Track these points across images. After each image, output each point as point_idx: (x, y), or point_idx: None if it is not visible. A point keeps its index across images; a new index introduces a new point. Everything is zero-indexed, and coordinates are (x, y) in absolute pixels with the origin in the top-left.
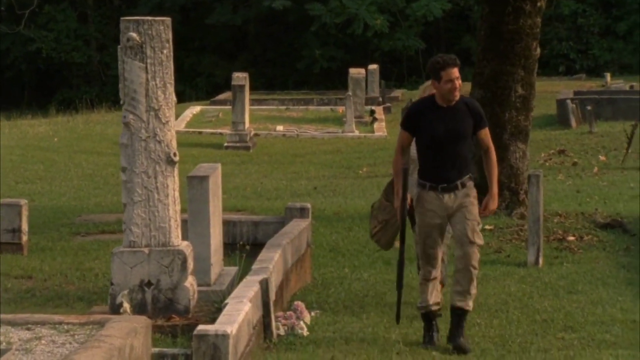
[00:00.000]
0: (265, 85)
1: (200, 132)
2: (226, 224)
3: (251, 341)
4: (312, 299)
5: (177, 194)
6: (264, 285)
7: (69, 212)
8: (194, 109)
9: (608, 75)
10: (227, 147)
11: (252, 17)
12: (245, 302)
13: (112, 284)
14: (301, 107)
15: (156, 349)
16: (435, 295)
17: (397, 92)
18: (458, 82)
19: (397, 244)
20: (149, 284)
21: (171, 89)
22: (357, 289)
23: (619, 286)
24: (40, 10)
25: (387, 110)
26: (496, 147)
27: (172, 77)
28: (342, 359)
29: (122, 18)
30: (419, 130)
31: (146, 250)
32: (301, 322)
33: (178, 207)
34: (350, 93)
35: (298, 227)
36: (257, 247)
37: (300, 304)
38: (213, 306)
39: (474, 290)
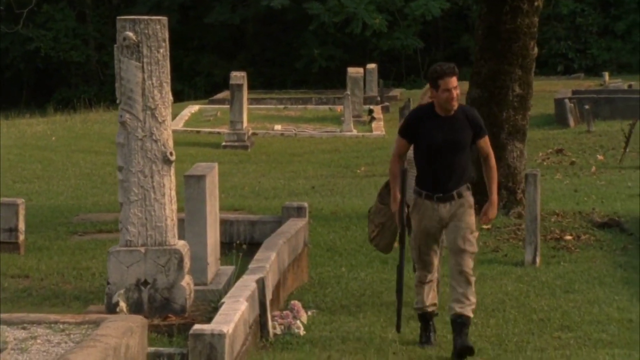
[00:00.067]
0: (264, 84)
1: (198, 131)
2: (223, 223)
3: (247, 340)
4: (309, 298)
5: (173, 193)
6: (261, 284)
7: (66, 212)
8: (192, 108)
9: (606, 75)
10: (225, 147)
11: (251, 16)
12: (242, 302)
13: (108, 283)
14: (299, 106)
15: (152, 349)
16: (432, 297)
17: (396, 92)
18: (456, 92)
19: (397, 244)
20: (146, 283)
21: (167, 88)
22: (354, 289)
23: (615, 285)
24: (39, 9)
25: (385, 110)
26: (494, 146)
27: (169, 76)
28: (338, 358)
29: (118, 17)
30: (417, 139)
31: (142, 249)
32: (298, 322)
33: (174, 207)
34: (348, 92)
35: (295, 226)
36: (254, 246)
37: (296, 303)
38: (209, 305)
39: (472, 298)
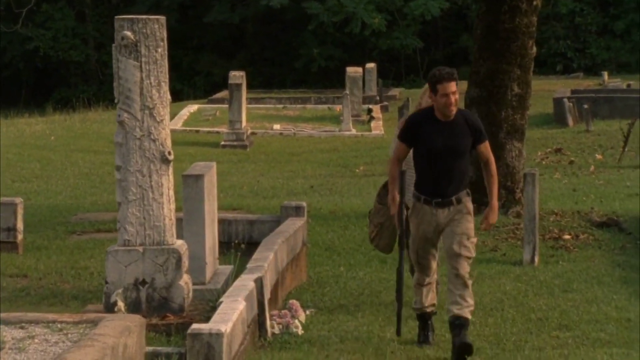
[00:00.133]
0: (263, 84)
1: (197, 131)
2: (222, 222)
3: (245, 340)
4: (307, 297)
5: (171, 192)
6: (259, 284)
7: (65, 211)
8: (192, 108)
9: (605, 74)
10: (224, 146)
11: (250, 15)
12: (240, 301)
13: (106, 282)
14: (298, 105)
15: (150, 348)
16: (430, 297)
17: (395, 91)
18: (454, 97)
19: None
20: (144, 282)
21: (166, 87)
22: (352, 288)
23: (614, 285)
24: (38, 8)
25: (384, 109)
26: (492, 145)
27: (167, 76)
28: (336, 357)
29: (116, 17)
30: (416, 143)
31: (141, 249)
32: (296, 321)
33: (173, 206)
34: (347, 92)
35: (293, 226)
36: (252, 245)
37: (295, 303)
38: (208, 305)
39: (470, 300)
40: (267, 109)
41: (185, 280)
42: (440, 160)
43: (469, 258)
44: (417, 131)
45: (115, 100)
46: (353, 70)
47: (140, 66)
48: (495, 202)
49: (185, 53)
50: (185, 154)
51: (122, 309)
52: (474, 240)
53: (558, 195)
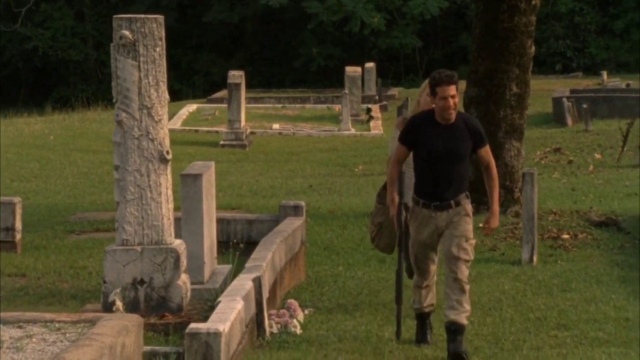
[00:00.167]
0: (263, 83)
1: (196, 130)
2: (220, 222)
3: (244, 339)
4: (305, 297)
5: (170, 192)
6: (257, 283)
7: (63, 210)
8: (191, 107)
9: (604, 74)
10: (223, 145)
11: (249, 15)
12: (238, 300)
13: (104, 282)
14: (297, 105)
15: (148, 347)
16: (429, 298)
17: (394, 91)
18: (453, 101)
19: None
20: (142, 282)
21: (164, 87)
22: (351, 287)
23: (612, 284)
24: (37, 8)
25: (383, 109)
26: (491, 145)
27: (165, 75)
28: (335, 357)
29: (114, 16)
30: (416, 146)
31: (139, 248)
32: (294, 320)
33: (171, 205)
34: (346, 91)
35: (292, 225)
36: (251, 245)
37: (293, 302)
38: (206, 304)
39: (467, 306)
40: (266, 109)
41: (183, 279)
42: (440, 163)
43: (467, 261)
44: (417, 134)
45: (114, 100)
46: (352, 70)
47: (139, 65)
48: (496, 207)
49: (184, 52)
50: (184, 153)
51: (121, 308)
52: (473, 242)
53: (557, 195)
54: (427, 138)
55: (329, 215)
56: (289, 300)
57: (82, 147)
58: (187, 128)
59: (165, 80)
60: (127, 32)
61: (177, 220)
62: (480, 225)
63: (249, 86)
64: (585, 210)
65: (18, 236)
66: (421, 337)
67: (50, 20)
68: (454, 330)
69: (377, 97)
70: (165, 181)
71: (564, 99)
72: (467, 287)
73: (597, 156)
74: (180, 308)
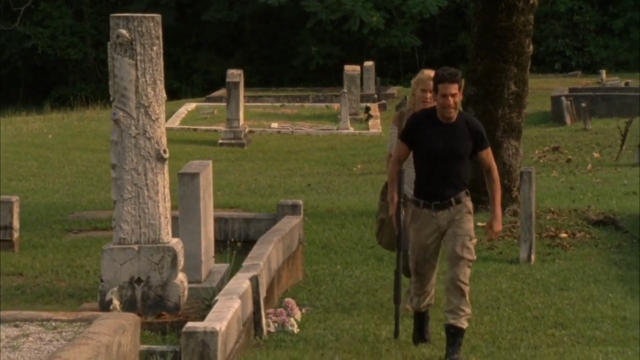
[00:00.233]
0: (262, 82)
1: (195, 129)
2: (218, 220)
3: (241, 338)
4: (303, 295)
5: (167, 190)
6: (255, 282)
7: (61, 209)
8: (189, 106)
9: (603, 72)
10: (221, 144)
11: (248, 13)
12: (235, 299)
13: (101, 280)
14: (296, 104)
15: (145, 346)
16: (427, 301)
17: (393, 89)
18: (453, 100)
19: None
20: (139, 280)
21: (161, 85)
22: (348, 286)
23: (610, 283)
24: (36, 7)
25: (382, 108)
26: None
27: (162, 74)
28: (332, 356)
29: (111, 15)
30: (417, 144)
31: (136, 247)
32: (291, 319)
33: (168, 204)
34: (345, 90)
35: (290, 224)
36: (248, 244)
37: (290, 301)
38: (203, 303)
39: (467, 309)
40: (265, 107)
41: (180, 278)
42: (440, 162)
43: (470, 261)
44: (416, 132)
45: (111, 99)
46: (351, 69)
47: (136, 64)
48: (498, 211)
49: (183, 51)
50: (183, 152)
51: (118, 307)
52: (475, 240)
53: (555, 194)
54: (428, 137)
55: (327, 214)
56: (286, 299)
57: (81, 146)
58: (185, 127)
59: (162, 79)
60: (124, 31)
61: (174, 219)
62: (480, 224)
63: (248, 85)
64: (584, 209)
65: (16, 235)
66: (419, 336)
67: (49, 19)
68: (453, 333)
69: (376, 96)
70: (163, 180)
71: (563, 98)
72: (467, 289)
73: (596, 155)
74: (178, 307)
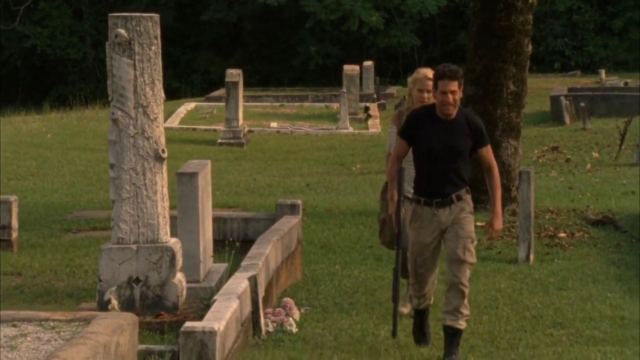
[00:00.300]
0: (261, 82)
1: (194, 129)
2: (217, 220)
3: (239, 338)
4: (302, 295)
5: (165, 190)
6: (253, 282)
7: (60, 209)
8: (189, 106)
9: (603, 72)
10: (220, 144)
11: (248, 13)
12: (234, 299)
13: (100, 280)
14: (295, 103)
15: (143, 346)
16: (428, 299)
17: (392, 89)
18: (452, 97)
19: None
20: (137, 280)
21: (160, 85)
22: (347, 286)
23: (609, 283)
24: (35, 6)
25: (381, 107)
26: None
27: (161, 74)
28: (330, 356)
29: (110, 14)
30: (416, 141)
31: (134, 247)
32: (290, 319)
33: (167, 204)
34: (344, 90)
35: (288, 223)
36: (247, 243)
37: (289, 301)
38: (202, 303)
39: (465, 310)
40: (264, 107)
41: (179, 278)
42: (439, 159)
43: (471, 264)
44: (416, 128)
45: (109, 98)
46: (350, 68)
47: (134, 64)
48: (499, 209)
49: (183, 51)
50: (182, 151)
51: (116, 307)
52: (475, 243)
53: (554, 193)
54: (427, 133)
55: (326, 214)
56: (285, 299)
57: (80, 146)
58: (185, 126)
59: (160, 78)
60: (122, 31)
61: (173, 219)
62: (479, 224)
63: (247, 85)
64: (582, 209)
65: (14, 234)
66: (419, 333)
67: (49, 18)
68: (451, 334)
69: (375, 96)
70: (161, 179)
71: (562, 98)
72: (467, 290)
73: (595, 155)
74: (176, 307)
